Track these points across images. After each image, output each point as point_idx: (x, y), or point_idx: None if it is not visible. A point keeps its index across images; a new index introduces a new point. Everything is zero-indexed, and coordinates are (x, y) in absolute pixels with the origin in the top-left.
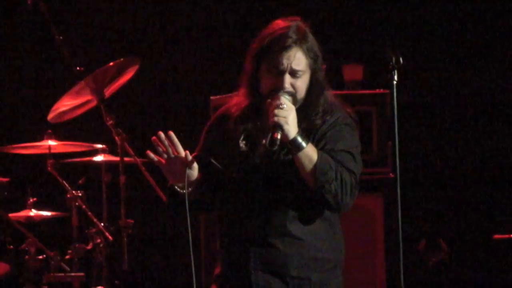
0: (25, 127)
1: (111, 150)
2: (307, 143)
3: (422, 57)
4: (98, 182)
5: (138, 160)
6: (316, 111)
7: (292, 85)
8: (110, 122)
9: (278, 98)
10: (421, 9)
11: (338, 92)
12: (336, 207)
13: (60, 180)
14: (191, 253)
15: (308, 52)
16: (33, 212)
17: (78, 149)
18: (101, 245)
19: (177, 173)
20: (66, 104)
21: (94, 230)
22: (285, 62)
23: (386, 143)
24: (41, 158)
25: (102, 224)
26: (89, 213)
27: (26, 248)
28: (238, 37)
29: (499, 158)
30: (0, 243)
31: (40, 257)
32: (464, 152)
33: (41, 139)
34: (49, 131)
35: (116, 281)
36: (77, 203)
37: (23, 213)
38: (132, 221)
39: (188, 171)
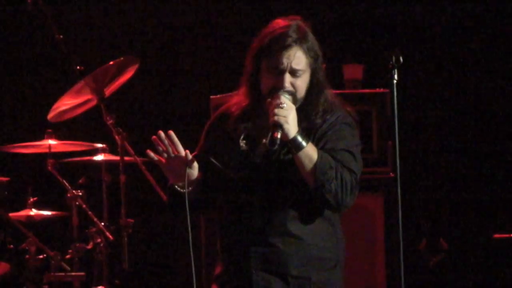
0: (25, 127)
1: (111, 150)
2: (307, 143)
3: (422, 56)
4: (99, 181)
5: (138, 159)
6: (316, 111)
7: (292, 85)
8: (110, 121)
9: (278, 98)
10: (421, 8)
11: (338, 91)
12: (336, 206)
13: (60, 179)
14: (191, 253)
15: (308, 52)
16: (34, 212)
17: (78, 149)
18: (101, 244)
19: (177, 172)
20: (66, 103)
21: (94, 229)
22: (285, 61)
23: (386, 143)
24: (41, 158)
25: (103, 223)
26: (90, 212)
27: (27, 248)
28: (238, 36)
29: (499, 158)
30: (1, 243)
31: (41, 256)
32: (465, 151)
33: (41, 138)
34: (49, 130)
35: (116, 281)
36: (77, 203)
37: (23, 213)
38: (133, 220)
39: (188, 170)
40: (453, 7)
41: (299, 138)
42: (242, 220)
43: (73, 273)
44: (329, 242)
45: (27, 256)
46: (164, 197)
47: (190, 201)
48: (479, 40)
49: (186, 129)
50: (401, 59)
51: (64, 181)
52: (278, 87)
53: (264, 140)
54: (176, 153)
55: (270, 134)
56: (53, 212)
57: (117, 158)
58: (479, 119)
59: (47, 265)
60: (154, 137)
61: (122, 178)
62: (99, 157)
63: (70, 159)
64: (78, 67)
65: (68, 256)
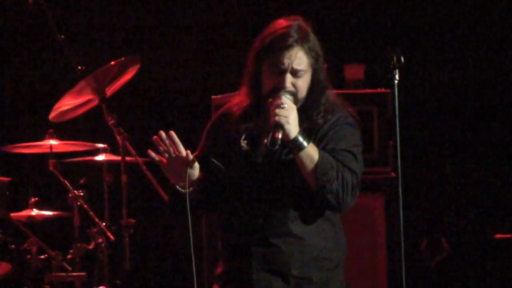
0: (26, 127)
1: (112, 150)
2: (308, 143)
3: (423, 56)
4: (100, 181)
5: (140, 159)
6: (318, 111)
7: (293, 85)
8: (112, 121)
9: (279, 98)
10: (422, 8)
11: (340, 91)
12: (337, 206)
13: (62, 179)
14: (192, 253)
15: (309, 52)
16: (35, 212)
17: (80, 149)
18: (102, 244)
19: (178, 172)
20: (67, 104)
21: (95, 229)
22: (286, 61)
23: (387, 143)
24: (42, 158)
25: (104, 223)
26: (91, 212)
27: (28, 248)
28: (239, 36)
29: (500, 157)
30: (2, 243)
31: (42, 256)
32: (466, 151)
33: (42, 138)
34: (51, 130)
35: (118, 281)
36: (78, 203)
37: (24, 213)
38: (134, 220)
39: (189, 170)
40: (455, 6)
41: (300, 139)
42: (243, 220)
43: (74, 273)
44: (330, 242)
45: (28, 256)
46: (166, 197)
47: (191, 201)
48: (480, 39)
49: (188, 129)
50: (402, 59)
51: (66, 181)
52: (279, 87)
53: (265, 141)
54: (177, 153)
55: (271, 134)
56: (55, 212)
57: (118, 158)
58: (481, 119)
59: (48, 265)
60: (155, 137)
61: (124, 178)
62: (100, 157)
63: (71, 159)
64: (79, 67)
65: (69, 256)
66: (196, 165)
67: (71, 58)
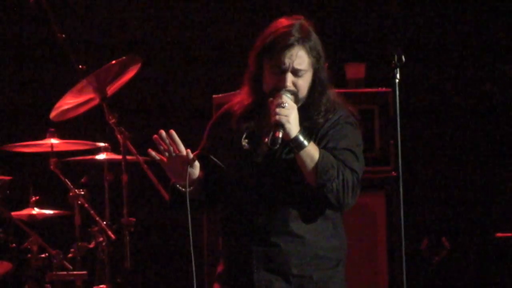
0: (27, 126)
1: (113, 149)
2: (308, 142)
3: (424, 55)
4: (101, 180)
5: (141, 158)
6: (319, 110)
7: (294, 84)
8: (113, 120)
9: (280, 97)
10: (424, 7)
11: (340, 90)
12: (338, 206)
13: (63, 178)
14: (192, 252)
15: (310, 51)
16: (36, 211)
17: (81, 148)
18: (103, 243)
19: (179, 171)
20: (68, 103)
21: (96, 228)
22: (287, 61)
23: (388, 142)
24: (43, 157)
25: (105, 222)
26: (92, 211)
27: (29, 247)
28: (241, 35)
29: (502, 157)
30: (3, 242)
31: (43, 255)
32: (467, 150)
33: (43, 137)
34: (52, 129)
35: (118, 279)
36: (79, 202)
37: (25, 212)
38: (135, 219)
39: (189, 169)
40: (455, 6)
41: (301, 138)
42: (244, 219)
43: (75, 272)
44: (331, 241)
45: (29, 255)
46: (166, 196)
47: (191, 200)
48: (481, 39)
49: (188, 128)
50: (403, 58)
51: (66, 180)
52: (280, 87)
53: (265, 140)
54: (177, 152)
55: (271, 134)
56: (55, 211)
57: (119, 157)
58: (482, 118)
59: (49, 264)
60: (155, 136)
61: (124, 177)
62: (101, 156)
63: (72, 158)
64: (80, 66)
65: (70, 255)
66: (197, 164)
67: (72, 57)
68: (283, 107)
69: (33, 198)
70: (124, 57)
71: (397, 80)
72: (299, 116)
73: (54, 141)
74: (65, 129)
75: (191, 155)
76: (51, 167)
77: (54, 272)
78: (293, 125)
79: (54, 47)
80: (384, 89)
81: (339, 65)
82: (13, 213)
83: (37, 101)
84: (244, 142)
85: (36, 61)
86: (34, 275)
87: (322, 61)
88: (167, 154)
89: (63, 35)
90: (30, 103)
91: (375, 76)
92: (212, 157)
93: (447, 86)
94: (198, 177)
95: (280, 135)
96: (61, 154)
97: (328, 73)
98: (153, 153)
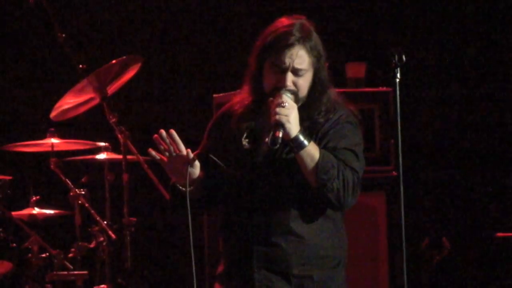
0: (27, 125)
1: (114, 148)
2: (309, 142)
3: (425, 54)
4: (101, 180)
5: (141, 158)
6: (319, 110)
7: (294, 84)
8: (113, 120)
9: (280, 97)
10: (424, 6)
11: (341, 90)
12: (338, 205)
13: (63, 178)
14: (192, 252)
15: (311, 51)
16: (36, 210)
17: (81, 147)
18: (104, 243)
19: (179, 171)
20: (69, 102)
21: (97, 228)
22: (287, 60)
23: (388, 141)
24: (44, 156)
25: (105, 222)
26: (92, 211)
27: (29, 247)
28: (241, 34)
29: (502, 156)
30: (3, 242)
31: (43, 255)
32: (467, 150)
33: (43, 137)
34: (52, 129)
35: (119, 279)
36: (80, 201)
37: (26, 211)
38: (135, 219)
39: (190, 169)
40: (456, 5)
41: (301, 137)
42: (244, 219)
43: (75, 272)
44: (332, 240)
45: (29, 255)
46: (167, 196)
47: (192, 200)
48: (482, 38)
49: (189, 128)
50: (404, 57)
51: (67, 180)
52: (280, 86)
53: (266, 139)
54: (177, 152)
55: (271, 133)
56: (56, 211)
57: (119, 156)
58: (483, 117)
59: (49, 263)
60: (155, 136)
61: (125, 176)
62: (101, 156)
63: (72, 158)
64: (80, 66)
65: (70, 255)
66: (197, 163)
67: (72, 57)
68: (283, 107)
69: (34, 198)
70: (124, 57)
71: (397, 80)
72: (299, 116)
73: (54, 140)
74: (65, 128)
75: (191, 155)
76: (52, 166)
77: (54, 272)
78: (293, 125)
79: (54, 46)
80: (384, 88)
81: (340, 64)
82: (13, 213)
83: (37, 100)
84: (245, 142)
85: (37, 61)
86: (34, 275)
87: (323, 61)
88: (167, 153)
89: (63, 35)
90: (31, 103)
91: (376, 76)
92: (212, 156)
93: (449, 85)
94: (199, 176)
95: (280, 135)
96: (61, 154)
97: (328, 73)
98: (153, 152)
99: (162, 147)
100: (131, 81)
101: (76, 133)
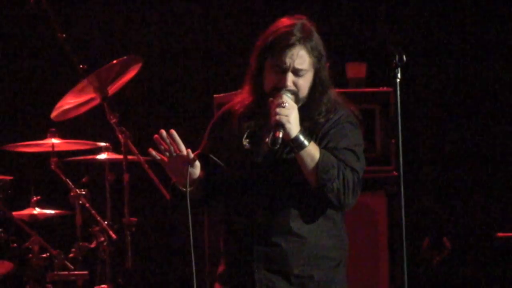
0: (28, 125)
1: (114, 148)
2: (309, 142)
3: (425, 54)
4: (102, 180)
5: (142, 158)
6: (319, 110)
7: (295, 84)
8: (114, 120)
9: (280, 97)
10: (425, 6)
11: (341, 90)
12: (338, 205)
13: (64, 178)
14: (192, 252)
15: (312, 51)
16: (37, 211)
17: (82, 147)
18: (104, 243)
19: (180, 171)
20: (69, 102)
21: (97, 228)
22: (287, 60)
23: (389, 141)
24: (44, 156)
25: (106, 222)
26: (93, 211)
27: (30, 247)
28: (242, 34)
29: (503, 156)
30: (4, 242)
31: (44, 255)
32: (468, 149)
33: (44, 137)
34: (53, 129)
35: (119, 280)
36: (80, 201)
37: (26, 212)
38: (136, 219)
39: (190, 169)
40: (457, 5)
41: (301, 137)
42: (245, 219)
43: (76, 272)
44: (332, 240)
45: (30, 255)
46: (167, 196)
47: (192, 200)
48: (483, 38)
49: (189, 128)
50: (404, 57)
51: (68, 180)
52: (280, 86)
53: (266, 139)
54: (178, 152)
55: (271, 134)
56: (57, 211)
57: (120, 157)
58: (483, 117)
59: (50, 264)
60: (156, 136)
61: (126, 177)
62: (102, 156)
63: (73, 158)
64: (81, 66)
65: (71, 255)
66: (197, 163)
67: (73, 57)
68: (283, 107)
69: (34, 198)
70: (125, 57)
71: (398, 80)
72: (299, 116)
73: (55, 141)
74: (66, 129)
75: (191, 155)
76: (52, 167)
77: (55, 272)
78: (293, 125)
79: (55, 46)
80: (385, 88)
81: (340, 64)
82: (14, 213)
83: (38, 101)
84: (245, 142)
85: (37, 61)
86: (35, 275)
87: (324, 61)
88: (167, 153)
89: (64, 35)
90: (31, 103)
91: (376, 76)
92: (212, 156)
93: (449, 84)
94: (199, 176)
95: (280, 135)
96: (62, 154)
97: (329, 73)
98: (153, 152)
99: (162, 147)
100: (131, 81)
101: (77, 133)
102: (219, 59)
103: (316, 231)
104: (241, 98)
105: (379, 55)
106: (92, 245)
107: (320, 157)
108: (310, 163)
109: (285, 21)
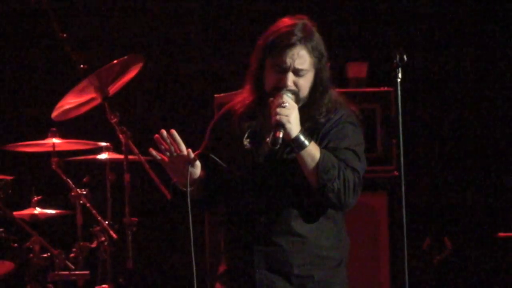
0: (29, 125)
1: (115, 148)
2: (309, 142)
3: (426, 54)
4: (103, 180)
5: (143, 158)
6: (320, 110)
7: (295, 84)
8: (114, 120)
9: (281, 97)
10: (425, 6)
11: (342, 90)
12: (339, 205)
13: (65, 178)
14: (192, 251)
15: (312, 51)
16: (38, 210)
17: (83, 147)
18: (105, 243)
19: (180, 171)
20: (70, 102)
21: (98, 228)
22: (288, 60)
23: (390, 141)
24: (45, 156)
25: (107, 222)
26: (94, 211)
27: (31, 247)
28: (242, 34)
29: (504, 155)
30: (5, 242)
31: (45, 255)
32: (469, 149)
33: (45, 137)
34: (53, 129)
35: (120, 279)
36: (81, 201)
37: (27, 211)
38: (137, 219)
39: (190, 169)
40: (458, 5)
41: (302, 137)
42: (246, 219)
43: (77, 272)
44: (333, 240)
45: (31, 255)
46: (168, 196)
47: (193, 200)
48: (484, 38)
49: (190, 128)
50: (405, 57)
51: (68, 180)
52: (280, 86)
53: (267, 139)
54: (178, 151)
55: (272, 134)
56: (57, 211)
57: (121, 156)
58: (484, 117)
59: (51, 263)
60: (156, 136)
61: (126, 176)
62: (103, 156)
63: (74, 158)
64: (82, 66)
65: (72, 255)
66: (198, 163)
67: (74, 57)
68: (284, 107)
69: (35, 198)
70: (125, 57)
71: (399, 80)
72: (300, 116)
73: (56, 140)
74: (67, 128)
75: (192, 155)
76: (53, 166)
77: (56, 272)
78: (293, 125)
79: (55, 46)
80: (386, 88)
81: (341, 64)
82: (15, 213)
83: (38, 100)
84: (246, 142)
85: (37, 61)
86: (36, 275)
87: (324, 61)
88: (168, 153)
89: (65, 35)
90: (32, 103)
91: (377, 76)
92: (213, 156)
93: (450, 85)
94: (199, 176)
95: (281, 135)
96: (63, 154)
97: (329, 73)
98: (154, 152)
99: (163, 147)
100: (132, 81)
101: (78, 133)
102: (219, 58)
103: (317, 231)
104: (241, 98)
105: (380, 55)
106: (93, 245)
107: (320, 157)
108: (311, 163)
109: (286, 21)
